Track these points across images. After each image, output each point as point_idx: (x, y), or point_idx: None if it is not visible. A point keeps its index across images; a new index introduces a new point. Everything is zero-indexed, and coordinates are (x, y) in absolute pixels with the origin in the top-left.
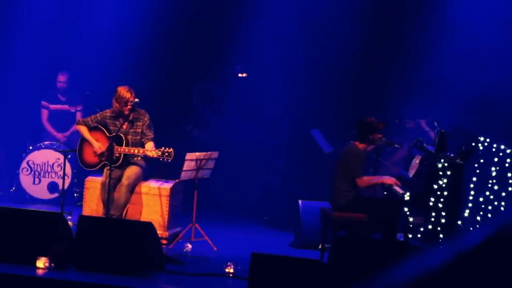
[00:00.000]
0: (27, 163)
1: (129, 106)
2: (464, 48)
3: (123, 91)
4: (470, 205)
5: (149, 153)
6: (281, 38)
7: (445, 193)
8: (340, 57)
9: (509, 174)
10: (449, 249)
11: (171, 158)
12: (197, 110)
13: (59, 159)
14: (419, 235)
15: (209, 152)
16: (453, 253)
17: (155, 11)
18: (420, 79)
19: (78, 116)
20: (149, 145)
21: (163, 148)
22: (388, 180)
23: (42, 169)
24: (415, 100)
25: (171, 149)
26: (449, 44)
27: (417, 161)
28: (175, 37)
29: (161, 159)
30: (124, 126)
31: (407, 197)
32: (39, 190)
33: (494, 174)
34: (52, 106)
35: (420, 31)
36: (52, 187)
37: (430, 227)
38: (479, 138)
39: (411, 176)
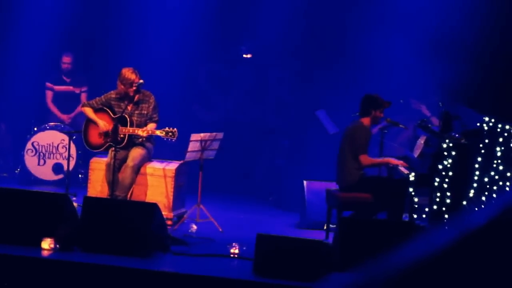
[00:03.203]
0: (32, 144)
1: (134, 88)
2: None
3: (128, 73)
4: (475, 185)
5: (152, 132)
6: (286, 19)
7: (450, 173)
8: (345, 36)
9: None
10: (454, 229)
11: (175, 138)
12: (203, 90)
13: (64, 140)
14: (424, 216)
15: (214, 133)
16: (458, 233)
17: None
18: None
19: (83, 97)
20: (151, 127)
21: (167, 128)
22: (394, 161)
23: (47, 151)
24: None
25: (175, 129)
26: None
27: (422, 142)
28: (181, 18)
29: (165, 139)
30: (129, 108)
31: (412, 177)
32: (44, 171)
33: (499, 154)
34: (57, 88)
35: None
36: (57, 168)
37: (435, 207)
38: (484, 118)
39: (416, 156)
